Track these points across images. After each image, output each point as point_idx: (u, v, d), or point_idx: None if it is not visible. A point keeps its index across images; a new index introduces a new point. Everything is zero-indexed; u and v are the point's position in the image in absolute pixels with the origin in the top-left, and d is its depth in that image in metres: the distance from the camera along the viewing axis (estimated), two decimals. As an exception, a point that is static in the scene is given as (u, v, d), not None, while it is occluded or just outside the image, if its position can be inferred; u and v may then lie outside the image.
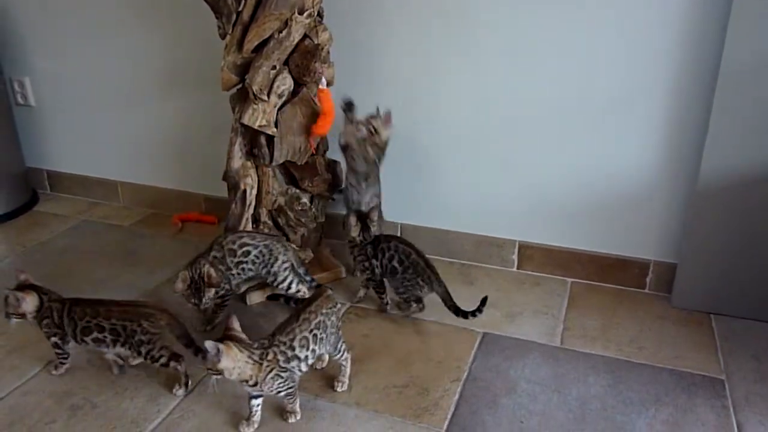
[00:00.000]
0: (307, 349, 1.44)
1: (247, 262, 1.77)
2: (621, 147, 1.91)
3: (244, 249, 1.76)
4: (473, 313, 1.76)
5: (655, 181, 1.92)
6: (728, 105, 1.70)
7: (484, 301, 1.76)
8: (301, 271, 1.82)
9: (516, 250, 2.15)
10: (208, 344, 1.30)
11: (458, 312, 1.77)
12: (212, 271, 1.70)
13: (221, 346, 1.31)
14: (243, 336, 1.38)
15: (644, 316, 1.91)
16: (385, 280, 1.89)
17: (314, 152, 1.95)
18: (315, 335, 1.45)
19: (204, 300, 1.70)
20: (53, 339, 1.60)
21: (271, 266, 1.78)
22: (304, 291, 1.82)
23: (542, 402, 1.56)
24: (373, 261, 1.84)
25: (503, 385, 1.62)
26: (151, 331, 1.53)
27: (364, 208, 1.92)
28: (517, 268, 2.17)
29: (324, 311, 1.48)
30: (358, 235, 1.83)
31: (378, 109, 1.89)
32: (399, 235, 2.25)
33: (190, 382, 1.60)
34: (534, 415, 1.52)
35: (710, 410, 1.53)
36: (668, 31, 1.76)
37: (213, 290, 1.71)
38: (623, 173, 1.94)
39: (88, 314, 1.55)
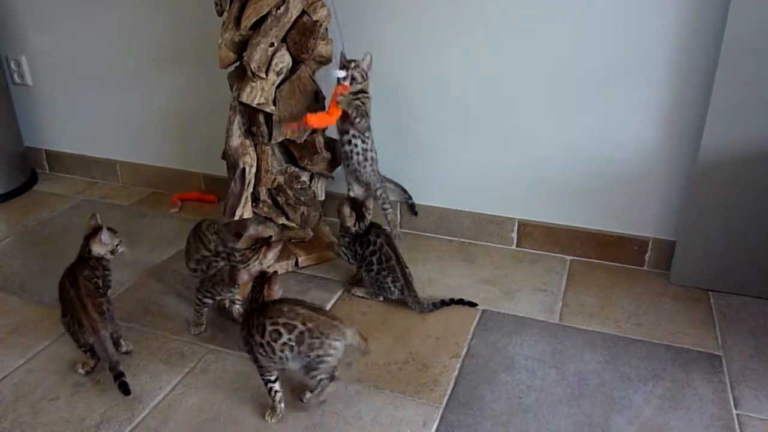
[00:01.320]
0: (275, 342, 1.35)
1: None
2: (621, 125, 1.90)
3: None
4: (444, 303, 1.83)
5: (655, 158, 1.91)
6: (730, 81, 1.69)
7: (459, 301, 1.84)
8: None
9: (515, 228, 2.15)
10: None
11: (434, 306, 1.82)
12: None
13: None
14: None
15: (642, 293, 1.92)
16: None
17: (295, 134, 1.90)
18: (289, 341, 1.35)
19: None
20: None
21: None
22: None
23: (540, 378, 1.58)
24: (357, 248, 1.82)
25: (502, 362, 1.63)
26: (79, 338, 1.52)
27: (368, 183, 1.90)
28: (517, 246, 2.17)
29: (319, 332, 1.35)
30: (354, 225, 1.80)
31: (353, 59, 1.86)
32: (398, 214, 2.26)
33: (91, 371, 1.59)
34: (532, 391, 1.53)
35: (707, 385, 1.55)
36: (669, 5, 1.74)
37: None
38: (623, 151, 1.93)
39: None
